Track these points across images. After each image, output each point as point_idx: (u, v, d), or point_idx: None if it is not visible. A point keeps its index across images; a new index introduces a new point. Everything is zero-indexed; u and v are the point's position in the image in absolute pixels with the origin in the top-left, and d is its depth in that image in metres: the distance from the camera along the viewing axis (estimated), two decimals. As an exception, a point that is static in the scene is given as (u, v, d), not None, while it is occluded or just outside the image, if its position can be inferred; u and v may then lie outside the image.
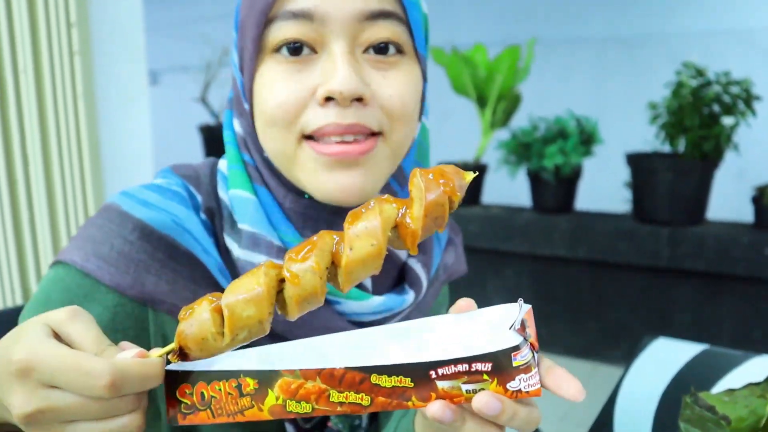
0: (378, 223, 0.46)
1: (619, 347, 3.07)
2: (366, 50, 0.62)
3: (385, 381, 0.46)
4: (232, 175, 0.68)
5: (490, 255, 3.29)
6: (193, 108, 5.10)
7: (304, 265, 0.45)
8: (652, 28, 4.56)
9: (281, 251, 0.65)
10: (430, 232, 0.48)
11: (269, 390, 0.47)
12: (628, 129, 3.69)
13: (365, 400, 0.47)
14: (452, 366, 0.46)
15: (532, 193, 3.21)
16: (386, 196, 0.50)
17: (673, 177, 2.77)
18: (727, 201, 3.23)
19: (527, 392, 0.46)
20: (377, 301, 0.68)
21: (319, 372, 0.47)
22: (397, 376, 0.46)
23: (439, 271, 0.83)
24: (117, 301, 0.62)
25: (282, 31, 0.60)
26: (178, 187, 0.69)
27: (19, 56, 1.89)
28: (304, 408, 0.47)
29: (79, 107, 2.02)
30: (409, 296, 0.72)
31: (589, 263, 3.07)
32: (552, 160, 2.96)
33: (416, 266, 0.74)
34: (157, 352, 0.47)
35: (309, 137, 0.62)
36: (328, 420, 0.72)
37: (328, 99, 0.60)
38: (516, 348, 0.46)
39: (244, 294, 0.45)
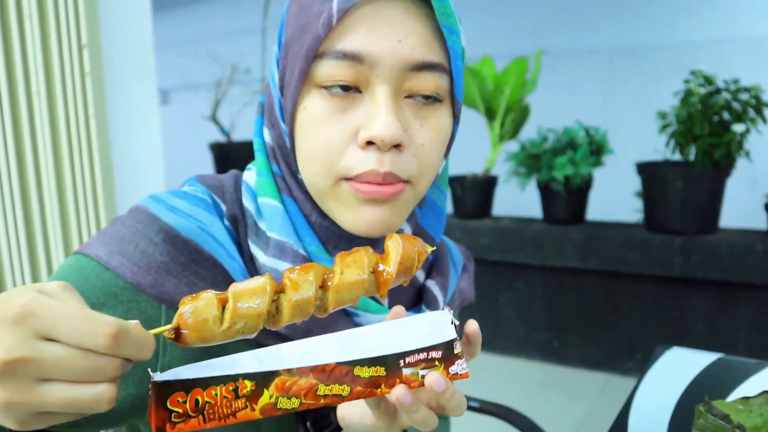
0: (366, 260, 0.54)
1: (632, 358, 3.05)
2: (407, 97, 0.64)
3: (365, 372, 0.53)
4: (261, 184, 0.70)
5: (502, 267, 3.28)
6: (203, 126, 5.14)
7: (303, 276, 0.52)
8: (660, 38, 4.56)
9: (306, 260, 0.67)
10: (399, 282, 0.57)
11: (265, 389, 0.50)
12: (638, 139, 3.68)
13: (345, 391, 0.52)
14: (416, 354, 0.54)
15: (542, 205, 3.21)
16: (368, 248, 0.56)
17: (685, 185, 2.75)
18: (740, 209, 3.21)
19: (461, 374, 0.55)
20: None
21: (313, 368, 0.52)
22: (375, 367, 0.53)
23: (454, 296, 0.84)
24: (133, 297, 0.64)
25: (330, 69, 0.61)
26: (203, 194, 0.71)
27: (32, 78, 1.91)
28: (293, 403, 0.51)
29: (91, 127, 2.04)
30: None
31: (601, 274, 3.06)
32: (562, 171, 2.96)
33: (434, 288, 0.77)
34: (153, 331, 0.48)
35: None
36: None
37: (369, 143, 0.61)
38: (457, 339, 0.55)
39: (251, 287, 0.50)
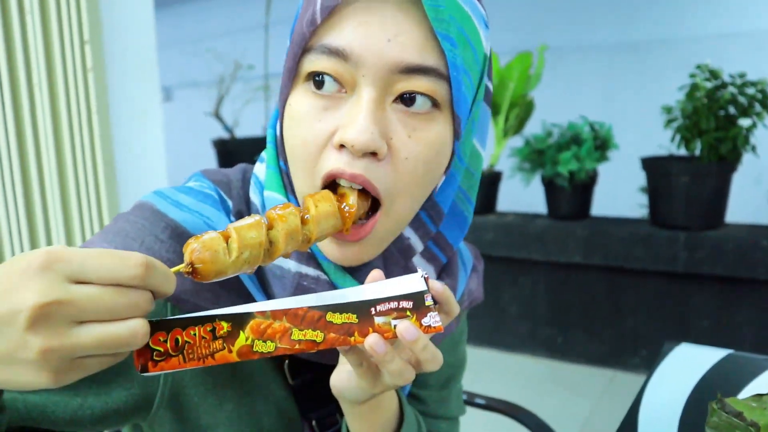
0: (331, 195, 0.60)
1: (637, 354, 3.03)
2: (397, 99, 0.60)
3: (337, 318, 0.55)
4: (269, 177, 0.69)
5: (506, 263, 3.27)
6: (206, 123, 5.13)
7: (287, 210, 0.57)
8: (663, 33, 4.54)
9: (310, 258, 0.66)
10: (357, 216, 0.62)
11: (241, 331, 0.53)
12: (642, 134, 3.66)
13: (319, 337, 0.54)
14: (387, 303, 0.56)
15: (547, 200, 3.20)
16: (326, 191, 0.60)
17: (690, 180, 2.74)
18: (746, 204, 3.19)
19: (434, 327, 0.56)
20: None
21: (286, 312, 0.54)
22: (347, 313, 0.55)
23: (464, 296, 0.83)
24: None
25: (315, 63, 0.59)
26: (210, 190, 0.70)
27: (33, 73, 1.91)
28: (268, 347, 0.53)
29: (94, 123, 2.04)
30: None
31: (606, 269, 3.04)
32: (566, 166, 2.94)
33: None
34: (173, 269, 0.50)
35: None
36: None
37: (342, 145, 0.59)
38: (427, 291, 0.57)
39: (248, 222, 0.54)
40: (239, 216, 0.69)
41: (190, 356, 0.51)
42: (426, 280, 0.58)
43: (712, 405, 0.71)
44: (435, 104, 0.60)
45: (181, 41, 6.91)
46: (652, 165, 2.90)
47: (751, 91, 2.64)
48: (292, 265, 0.65)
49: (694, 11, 4.42)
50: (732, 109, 2.67)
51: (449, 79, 0.60)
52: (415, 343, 0.54)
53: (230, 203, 0.70)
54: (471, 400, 1.23)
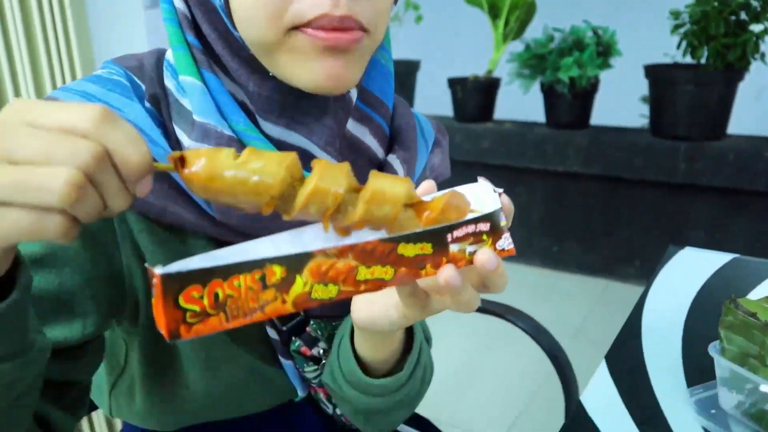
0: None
1: (632, 264, 3.04)
2: None
3: (410, 250, 0.45)
4: (178, 59, 0.61)
5: (503, 171, 3.23)
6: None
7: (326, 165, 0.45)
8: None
9: (232, 140, 0.59)
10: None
11: (298, 276, 0.41)
12: (647, 40, 3.54)
13: (388, 274, 0.45)
14: (464, 227, 0.47)
15: (546, 108, 3.12)
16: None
17: (694, 89, 2.66)
18: (749, 116, 3.12)
19: (507, 251, 0.50)
20: None
21: (353, 247, 0.43)
22: (422, 243, 0.46)
23: (425, 172, 0.78)
24: None
25: None
26: (119, 76, 0.63)
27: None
28: (330, 292, 0.43)
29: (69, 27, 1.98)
30: None
31: (604, 179, 3.01)
32: (567, 72, 2.85)
33: (395, 162, 0.70)
34: (157, 165, 0.40)
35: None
36: (306, 325, 0.72)
37: None
38: (501, 209, 0.49)
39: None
40: (154, 100, 0.63)
41: (234, 313, 0.39)
42: (500, 195, 0.50)
43: (726, 304, 0.67)
44: None
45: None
46: (655, 73, 2.81)
47: (765, -6, 2.53)
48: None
49: None
50: (743, 14, 2.56)
51: None
52: (495, 272, 0.47)
53: (143, 87, 0.63)
54: (467, 304, 1.21)
